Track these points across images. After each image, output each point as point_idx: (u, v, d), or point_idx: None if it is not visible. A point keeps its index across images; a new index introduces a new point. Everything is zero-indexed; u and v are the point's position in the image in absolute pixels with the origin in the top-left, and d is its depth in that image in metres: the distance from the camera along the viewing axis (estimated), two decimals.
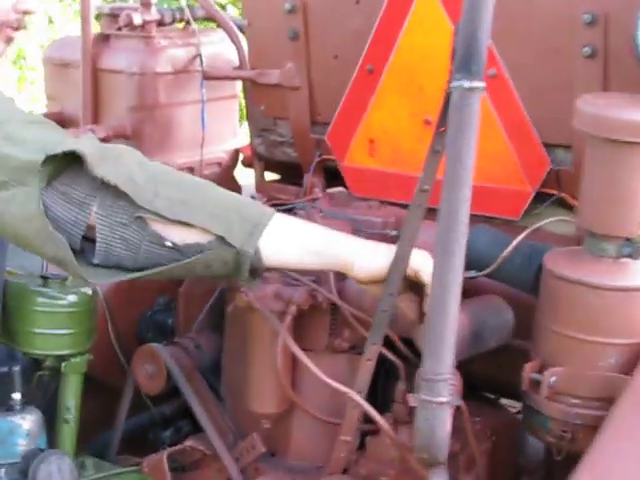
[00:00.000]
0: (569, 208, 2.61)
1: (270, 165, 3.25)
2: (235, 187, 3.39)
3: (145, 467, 2.64)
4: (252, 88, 3.13)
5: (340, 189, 2.98)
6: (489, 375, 2.60)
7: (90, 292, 2.60)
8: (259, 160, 3.22)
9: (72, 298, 2.56)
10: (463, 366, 2.22)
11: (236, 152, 3.42)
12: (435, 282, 1.90)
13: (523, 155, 2.64)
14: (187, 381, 2.67)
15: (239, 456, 2.58)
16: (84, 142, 1.91)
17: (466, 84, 1.79)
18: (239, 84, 3.36)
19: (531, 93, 2.60)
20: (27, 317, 2.54)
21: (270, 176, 3.31)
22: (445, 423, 1.98)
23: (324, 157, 3.01)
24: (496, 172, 2.67)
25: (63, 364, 2.56)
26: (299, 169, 3.10)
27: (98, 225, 1.88)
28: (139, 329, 3.03)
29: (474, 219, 2.66)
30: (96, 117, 3.17)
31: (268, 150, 3.17)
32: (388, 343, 2.36)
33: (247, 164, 3.37)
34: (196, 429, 2.98)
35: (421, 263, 2.08)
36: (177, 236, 1.90)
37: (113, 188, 1.87)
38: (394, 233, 2.62)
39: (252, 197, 2.73)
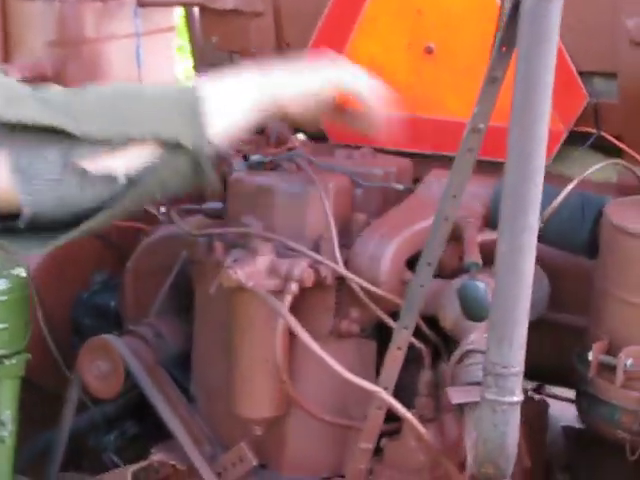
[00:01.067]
0: (611, 151, 2.23)
1: None
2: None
3: None
4: (201, 16, 2.71)
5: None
6: None
7: (24, 274, 2.12)
8: None
9: (5, 283, 2.11)
10: None
11: None
12: (504, 246, 1.56)
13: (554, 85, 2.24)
14: (149, 377, 2.20)
15: (222, 470, 2.16)
16: None
17: None
18: (176, 13, 2.90)
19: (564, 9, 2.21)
20: None
21: None
22: (517, 428, 1.65)
23: None
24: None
25: None
26: None
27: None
28: (74, 314, 2.62)
29: (494, 168, 2.29)
30: (5, 55, 2.65)
31: None
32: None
33: None
34: (144, 431, 2.62)
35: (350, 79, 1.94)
36: (120, 164, 1.62)
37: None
38: (401, 187, 2.19)
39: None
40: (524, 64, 1.50)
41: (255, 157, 2.21)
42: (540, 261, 2.14)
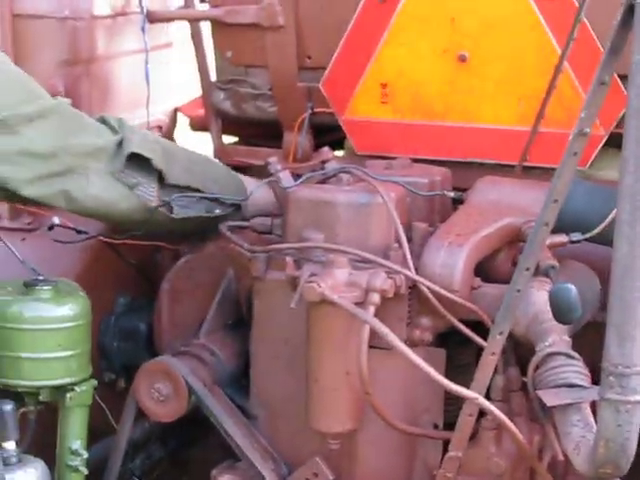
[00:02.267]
0: None
1: (231, 125, 2.84)
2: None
3: None
4: (214, 31, 2.73)
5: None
6: None
7: (86, 296, 2.10)
8: (217, 119, 2.81)
9: (69, 309, 2.10)
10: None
11: (175, 112, 3.00)
12: (622, 250, 1.61)
13: None
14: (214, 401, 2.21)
15: None
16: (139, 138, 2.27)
17: None
18: (171, 29, 2.92)
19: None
20: (10, 339, 2.06)
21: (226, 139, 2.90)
22: (638, 426, 1.70)
23: (314, 110, 2.66)
24: (558, 113, 2.35)
25: (68, 396, 2.11)
26: (276, 128, 2.73)
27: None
28: (101, 338, 2.59)
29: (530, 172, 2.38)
30: None
31: (235, 105, 2.78)
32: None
33: (196, 126, 2.91)
34: (170, 456, 2.66)
35: None
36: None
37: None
38: (452, 194, 2.25)
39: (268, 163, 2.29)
40: None
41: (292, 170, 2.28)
42: (590, 262, 2.26)
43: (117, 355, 2.56)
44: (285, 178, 2.27)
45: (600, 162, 2.41)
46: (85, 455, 2.14)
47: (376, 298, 2.02)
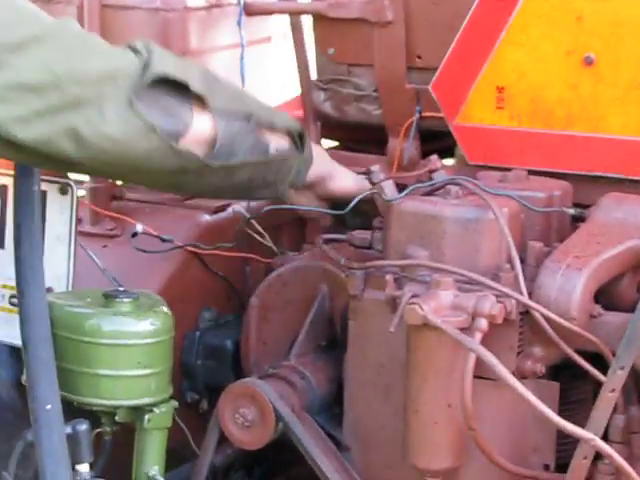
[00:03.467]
0: None
1: (332, 129, 2.84)
2: None
3: None
4: (316, 25, 2.71)
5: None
6: None
7: (168, 311, 2.08)
8: (316, 121, 2.80)
9: (151, 323, 2.08)
10: None
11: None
12: None
13: None
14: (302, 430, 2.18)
15: None
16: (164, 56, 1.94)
17: None
18: (270, 23, 2.93)
19: None
20: (87, 354, 2.05)
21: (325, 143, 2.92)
22: None
23: (422, 115, 2.63)
24: None
25: (146, 417, 2.09)
26: (380, 133, 2.70)
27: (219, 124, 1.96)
28: (184, 356, 2.57)
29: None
30: None
31: (336, 107, 2.77)
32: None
33: None
34: None
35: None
36: (273, 141, 2.08)
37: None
38: (572, 211, 2.18)
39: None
40: None
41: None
42: None
43: (201, 374, 2.53)
44: (388, 188, 2.22)
45: None
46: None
47: (484, 324, 1.95)
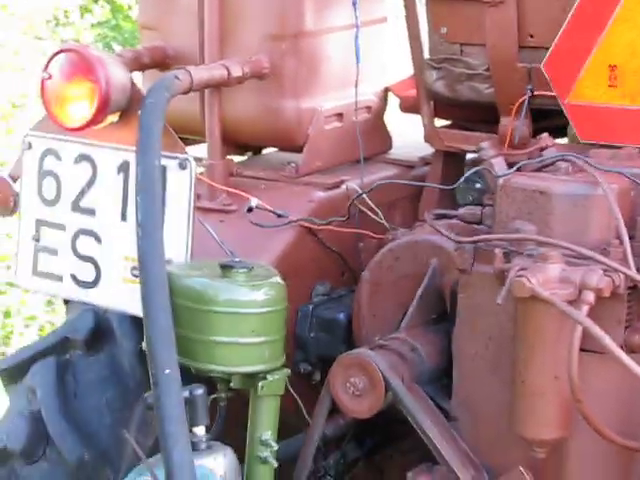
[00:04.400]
0: None
1: (445, 107, 2.90)
2: (386, 138, 3.06)
3: None
4: (429, 4, 2.79)
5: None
6: None
7: (282, 282, 2.20)
8: (429, 100, 2.87)
9: (265, 293, 2.19)
10: None
11: (386, 92, 3.05)
12: None
13: None
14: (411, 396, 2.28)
15: None
16: None
17: None
18: (385, 2, 3.01)
19: None
20: (205, 322, 2.17)
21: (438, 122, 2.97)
22: None
23: (534, 93, 2.67)
24: None
25: (260, 384, 2.20)
26: (491, 111, 2.77)
27: None
28: (298, 328, 2.68)
29: None
30: (221, 50, 2.74)
31: (448, 86, 2.83)
32: None
33: (406, 108, 2.98)
34: (366, 456, 2.72)
35: None
36: None
37: None
38: None
39: None
40: None
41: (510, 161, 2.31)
42: None
43: (313, 346, 2.64)
44: (498, 165, 2.30)
45: None
46: (275, 447, 2.22)
47: (591, 297, 2.03)
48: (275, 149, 3.02)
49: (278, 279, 2.23)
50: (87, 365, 2.69)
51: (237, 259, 2.23)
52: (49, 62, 2.36)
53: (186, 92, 2.53)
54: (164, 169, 2.46)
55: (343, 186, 2.77)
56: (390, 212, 2.82)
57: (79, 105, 2.41)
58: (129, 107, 2.45)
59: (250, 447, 2.24)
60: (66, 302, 2.85)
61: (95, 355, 2.64)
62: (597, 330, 1.99)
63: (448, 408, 2.36)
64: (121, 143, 2.39)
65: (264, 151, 3.10)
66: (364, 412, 2.34)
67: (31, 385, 2.62)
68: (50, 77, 2.36)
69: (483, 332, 2.25)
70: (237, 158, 3.03)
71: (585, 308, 2.04)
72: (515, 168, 2.25)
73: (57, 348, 2.71)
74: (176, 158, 2.47)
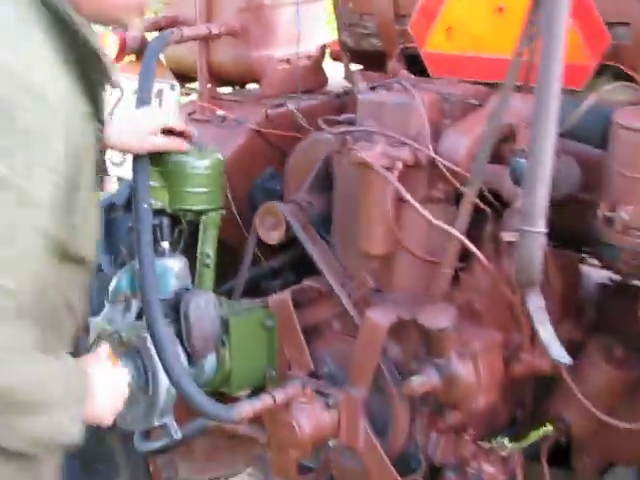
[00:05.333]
0: (627, 78, 2.54)
1: (355, 56, 3.18)
2: (323, 77, 3.35)
3: (271, 304, 2.65)
4: None
5: None
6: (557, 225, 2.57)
7: (221, 157, 2.55)
8: (346, 52, 3.14)
9: (209, 161, 2.50)
10: None
11: (324, 47, 3.35)
12: (534, 134, 2.00)
13: (587, 32, 2.58)
14: (303, 231, 2.66)
15: (351, 292, 2.58)
16: None
17: None
18: None
19: None
20: (180, 179, 2.48)
21: (354, 67, 3.24)
22: (541, 249, 2.04)
23: (406, 45, 2.93)
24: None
25: (204, 217, 2.52)
26: (382, 58, 3.04)
27: None
28: (251, 195, 3.00)
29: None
30: (210, 18, 3.10)
31: (355, 42, 3.11)
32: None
33: (335, 57, 3.31)
34: (300, 279, 2.94)
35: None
36: None
37: None
38: (475, 102, 2.57)
39: None
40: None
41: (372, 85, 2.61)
42: (572, 154, 2.52)
43: (261, 203, 2.82)
44: (362, 87, 2.65)
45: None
46: (212, 257, 2.53)
47: (399, 165, 2.37)
48: (256, 84, 3.29)
49: (219, 155, 2.52)
50: (124, 220, 3.06)
51: (202, 145, 2.48)
52: None
53: (178, 42, 2.85)
54: (160, 90, 2.87)
55: (285, 106, 3.07)
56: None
57: (108, 49, 2.86)
58: (140, 51, 2.87)
59: (199, 258, 2.54)
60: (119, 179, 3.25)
61: (130, 214, 2.91)
62: (401, 188, 2.36)
63: (329, 239, 2.69)
64: (137, 74, 2.64)
65: (247, 86, 3.38)
66: (275, 240, 2.69)
67: None
68: None
69: (347, 191, 2.58)
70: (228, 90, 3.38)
71: (395, 172, 2.37)
72: (368, 88, 2.62)
73: (107, 210, 3.04)
74: (168, 83, 2.88)
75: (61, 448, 1.94)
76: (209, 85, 3.14)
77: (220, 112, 2.96)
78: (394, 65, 2.93)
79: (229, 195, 2.83)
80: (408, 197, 2.35)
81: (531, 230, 2.03)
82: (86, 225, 1.93)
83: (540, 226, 2.04)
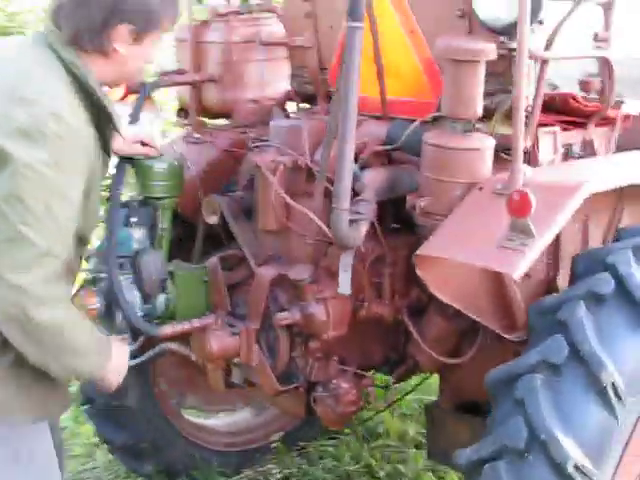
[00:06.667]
0: None
1: (301, 98, 3.98)
2: (285, 113, 4.17)
3: (207, 265, 3.61)
4: (289, 50, 3.94)
5: None
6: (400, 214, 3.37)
7: (177, 163, 3.52)
8: (295, 95, 4.00)
9: (169, 166, 3.44)
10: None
11: (287, 92, 3.96)
12: (339, 146, 2.90)
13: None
14: (233, 217, 3.63)
15: (256, 257, 3.53)
16: None
17: None
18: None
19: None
20: (149, 175, 3.45)
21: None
22: (345, 221, 2.95)
23: (329, 89, 3.75)
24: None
25: (161, 202, 3.41)
26: (311, 99, 3.89)
27: None
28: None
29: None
30: (197, 69, 4.01)
31: (299, 87, 3.88)
32: None
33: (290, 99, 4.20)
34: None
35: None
36: None
37: None
38: None
39: None
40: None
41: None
42: (413, 163, 3.36)
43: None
44: (277, 116, 3.67)
45: None
46: (168, 231, 3.47)
47: (281, 167, 3.29)
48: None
49: (176, 163, 3.38)
50: None
51: (165, 154, 3.42)
52: None
53: (169, 86, 3.93)
54: (148, 117, 3.93)
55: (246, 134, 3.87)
56: None
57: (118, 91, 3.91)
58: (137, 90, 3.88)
59: (158, 231, 3.45)
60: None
61: None
62: (275, 183, 3.26)
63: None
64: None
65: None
66: (213, 222, 3.51)
67: None
68: None
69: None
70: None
71: (278, 172, 3.27)
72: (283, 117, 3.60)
73: None
74: (154, 113, 3.89)
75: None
76: (198, 117, 4.07)
77: (199, 136, 3.95)
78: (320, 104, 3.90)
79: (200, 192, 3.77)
80: (280, 190, 3.30)
81: (338, 207, 2.95)
82: (92, 216, 2.69)
83: (344, 206, 2.95)
